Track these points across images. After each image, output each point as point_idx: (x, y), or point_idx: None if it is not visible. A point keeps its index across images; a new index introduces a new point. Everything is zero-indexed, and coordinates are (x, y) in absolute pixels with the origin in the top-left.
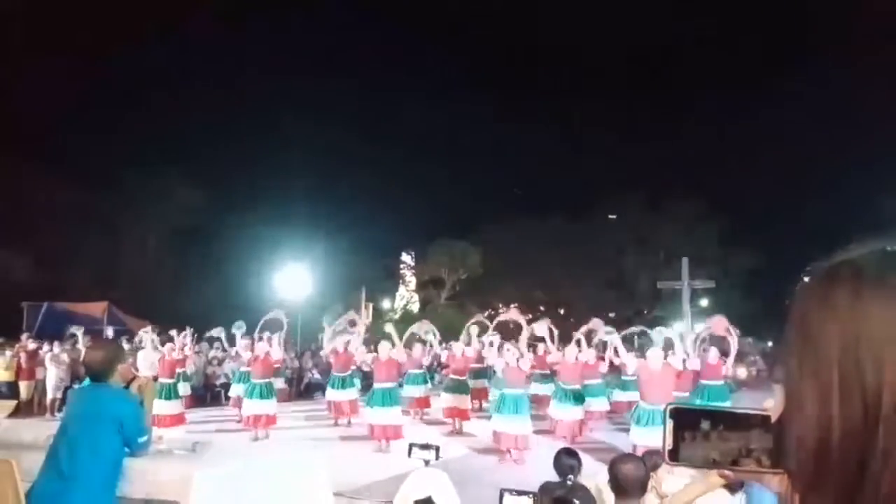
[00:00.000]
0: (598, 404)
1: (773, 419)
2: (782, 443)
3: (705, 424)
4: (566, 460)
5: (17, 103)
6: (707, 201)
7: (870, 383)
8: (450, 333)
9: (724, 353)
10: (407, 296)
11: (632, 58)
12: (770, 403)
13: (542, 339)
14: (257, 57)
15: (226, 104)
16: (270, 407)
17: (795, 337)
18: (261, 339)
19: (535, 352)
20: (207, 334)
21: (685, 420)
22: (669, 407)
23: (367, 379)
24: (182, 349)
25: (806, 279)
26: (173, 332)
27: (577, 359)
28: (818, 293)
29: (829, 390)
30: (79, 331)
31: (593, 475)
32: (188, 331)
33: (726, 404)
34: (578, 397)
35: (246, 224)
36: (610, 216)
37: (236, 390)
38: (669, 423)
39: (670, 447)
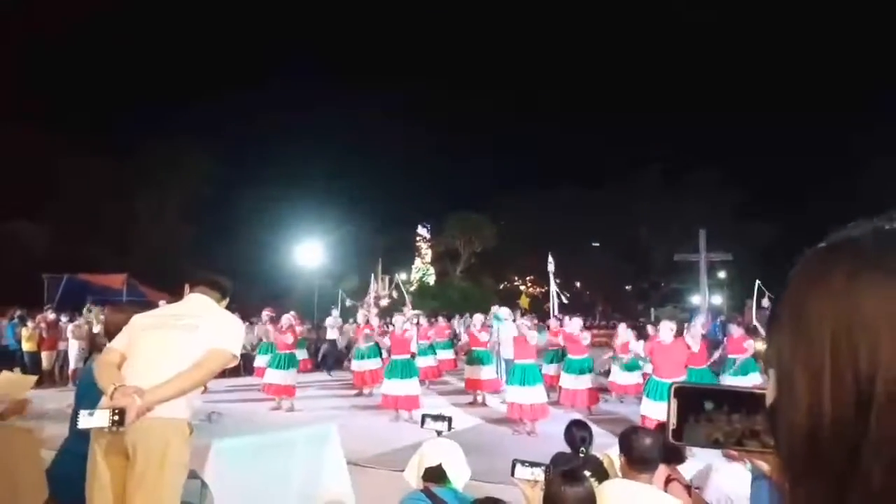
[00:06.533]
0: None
1: (768, 403)
2: (775, 428)
3: (709, 404)
4: (577, 432)
5: (33, 76)
6: (724, 171)
7: (863, 368)
8: (466, 305)
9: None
10: (423, 268)
11: (651, 28)
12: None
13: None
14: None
15: (243, 73)
16: (290, 377)
17: (788, 317)
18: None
19: (549, 329)
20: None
21: (689, 399)
22: (674, 386)
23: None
24: None
25: (801, 258)
26: None
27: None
28: (813, 272)
29: (821, 374)
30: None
31: (604, 447)
32: None
33: (755, 375)
34: (586, 367)
35: (263, 194)
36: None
37: (261, 360)
38: (673, 403)
39: (674, 427)
